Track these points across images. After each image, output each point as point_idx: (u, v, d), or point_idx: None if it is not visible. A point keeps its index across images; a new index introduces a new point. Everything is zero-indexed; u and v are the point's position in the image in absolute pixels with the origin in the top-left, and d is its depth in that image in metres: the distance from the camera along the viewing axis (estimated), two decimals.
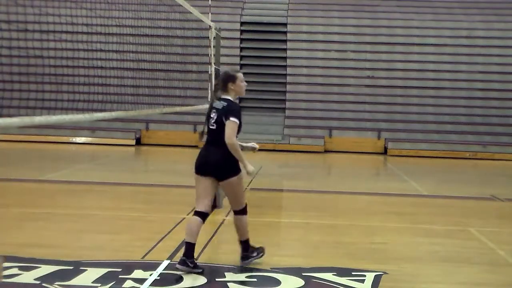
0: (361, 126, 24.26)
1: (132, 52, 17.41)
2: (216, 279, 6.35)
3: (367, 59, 26.80)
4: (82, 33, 11.68)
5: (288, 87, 25.77)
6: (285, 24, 28.08)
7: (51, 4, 8.57)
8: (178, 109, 9.23)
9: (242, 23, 27.99)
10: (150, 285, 6.07)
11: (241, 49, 27.15)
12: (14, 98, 11.07)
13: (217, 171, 6.54)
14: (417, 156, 22.62)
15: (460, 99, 25.39)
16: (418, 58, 26.70)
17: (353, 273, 6.74)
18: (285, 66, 26.64)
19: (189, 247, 6.49)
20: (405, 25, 28.05)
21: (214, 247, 7.88)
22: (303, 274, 6.63)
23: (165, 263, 6.81)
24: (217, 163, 6.50)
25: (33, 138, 21.63)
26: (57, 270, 6.44)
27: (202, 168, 6.61)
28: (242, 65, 25.77)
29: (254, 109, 24.16)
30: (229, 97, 6.62)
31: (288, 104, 25.04)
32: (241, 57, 26.77)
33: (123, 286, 6.00)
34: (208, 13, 10.44)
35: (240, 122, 6.54)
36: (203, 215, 6.58)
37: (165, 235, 8.25)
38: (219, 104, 6.60)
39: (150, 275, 6.34)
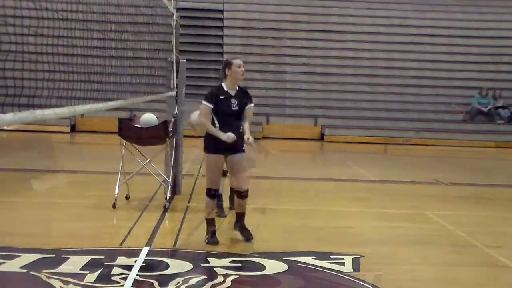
0: (297, 112, 24.55)
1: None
2: (202, 265, 6.42)
3: (303, 46, 27.10)
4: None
5: None
6: (221, 11, 28.08)
7: None
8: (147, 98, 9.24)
9: (178, 9, 27.77)
10: (138, 271, 6.09)
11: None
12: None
13: None
14: (353, 142, 23.06)
15: (393, 86, 26.01)
16: (353, 46, 27.15)
17: (331, 256, 6.91)
18: (221, 53, 26.66)
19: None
20: (340, 13, 28.47)
21: (187, 234, 7.93)
22: (283, 258, 6.76)
23: (146, 249, 6.83)
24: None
25: None
26: (39, 259, 6.38)
27: None
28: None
29: (191, 95, 24.08)
30: (222, 84, 6.91)
31: None
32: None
33: (112, 273, 6.00)
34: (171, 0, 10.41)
35: (216, 104, 7.13)
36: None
37: (135, 222, 8.24)
38: None
39: (135, 261, 6.36)
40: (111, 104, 6.62)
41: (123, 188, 9.31)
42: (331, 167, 16.45)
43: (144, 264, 6.31)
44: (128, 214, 8.75)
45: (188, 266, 6.34)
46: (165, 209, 8.96)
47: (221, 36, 27.30)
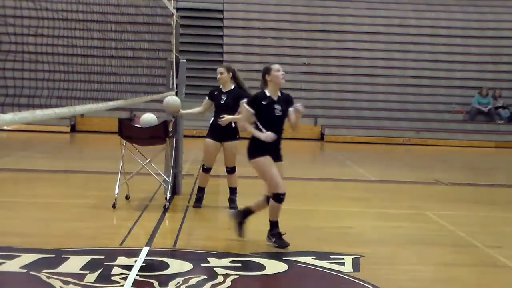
0: None
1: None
2: (202, 265, 6.42)
3: (303, 46, 27.12)
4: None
5: None
6: (221, 11, 28.09)
7: None
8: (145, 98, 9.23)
9: (178, 9, 27.78)
10: (138, 271, 6.09)
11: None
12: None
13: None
14: (353, 142, 23.07)
15: (393, 86, 26.03)
16: (352, 46, 27.16)
17: (331, 256, 6.91)
18: (221, 53, 26.68)
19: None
20: (339, 13, 28.49)
21: (187, 234, 7.94)
22: (283, 258, 6.77)
23: (145, 249, 6.83)
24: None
25: None
26: (39, 259, 6.37)
27: None
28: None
29: (191, 95, 24.10)
30: (265, 90, 7.05)
31: None
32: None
33: (112, 273, 6.00)
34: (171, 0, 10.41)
35: (258, 109, 7.08)
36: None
37: (135, 222, 8.24)
38: None
39: (135, 261, 6.35)
40: (111, 104, 6.62)
41: (123, 188, 9.30)
42: (331, 167, 16.44)
43: (144, 264, 6.31)
44: (128, 214, 8.75)
45: (188, 266, 6.34)
46: (165, 209, 8.96)
47: (221, 36, 27.32)
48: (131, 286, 5.60)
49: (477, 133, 24.45)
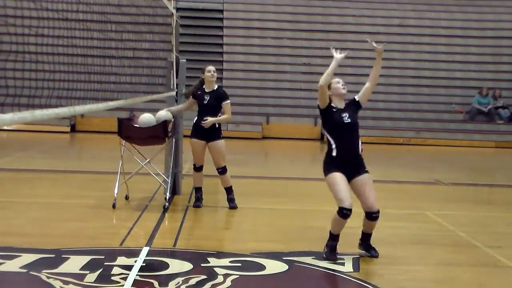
0: (297, 112, 24.52)
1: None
2: (202, 265, 6.42)
3: (303, 46, 27.10)
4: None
5: (225, 74, 25.81)
6: (221, 11, 28.08)
7: None
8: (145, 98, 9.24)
9: (178, 9, 27.79)
10: (138, 271, 6.09)
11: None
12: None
13: None
14: None
15: (393, 86, 26.00)
16: (352, 46, 27.08)
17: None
18: (221, 53, 26.68)
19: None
20: (340, 13, 28.47)
21: (187, 234, 7.94)
22: (283, 258, 6.77)
23: (145, 249, 6.83)
24: None
25: None
26: (39, 258, 6.38)
27: None
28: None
29: None
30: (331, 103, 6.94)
31: None
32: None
33: (111, 273, 6.00)
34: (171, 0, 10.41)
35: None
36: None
37: (135, 222, 8.24)
38: None
39: (135, 261, 6.35)
40: (112, 104, 6.61)
41: (122, 188, 9.30)
42: None
43: (144, 264, 6.31)
44: (128, 214, 8.75)
45: (188, 266, 6.34)
46: (165, 209, 8.96)
47: (221, 36, 27.29)
48: (131, 286, 5.60)
49: (477, 133, 24.43)
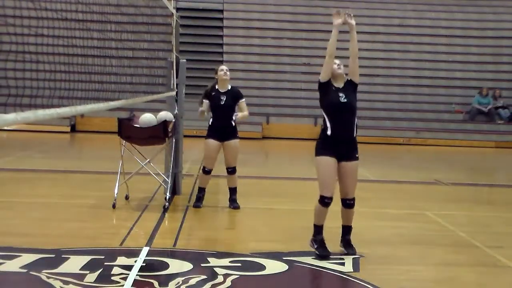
0: (297, 112, 24.52)
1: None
2: (202, 265, 6.42)
3: (303, 46, 27.10)
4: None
5: None
6: (221, 11, 28.08)
7: None
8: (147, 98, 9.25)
9: (178, 9, 27.80)
10: (138, 271, 6.09)
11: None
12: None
13: None
14: None
15: (393, 86, 26.02)
16: None
17: (331, 256, 6.89)
18: (221, 53, 26.68)
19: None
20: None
21: (187, 234, 7.94)
22: (283, 258, 6.77)
23: (145, 249, 6.83)
24: None
25: None
26: (39, 259, 6.38)
27: None
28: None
29: (191, 95, 24.14)
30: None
31: None
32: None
33: (112, 273, 6.00)
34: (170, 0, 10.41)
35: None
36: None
37: (135, 222, 8.25)
38: None
39: (135, 261, 6.35)
40: (112, 104, 6.61)
41: (122, 188, 9.30)
42: None
43: (144, 264, 6.31)
44: (128, 214, 8.75)
45: (188, 266, 6.34)
46: (165, 209, 8.96)
47: (221, 36, 27.30)
48: (131, 286, 5.60)
49: (477, 133, 24.43)
